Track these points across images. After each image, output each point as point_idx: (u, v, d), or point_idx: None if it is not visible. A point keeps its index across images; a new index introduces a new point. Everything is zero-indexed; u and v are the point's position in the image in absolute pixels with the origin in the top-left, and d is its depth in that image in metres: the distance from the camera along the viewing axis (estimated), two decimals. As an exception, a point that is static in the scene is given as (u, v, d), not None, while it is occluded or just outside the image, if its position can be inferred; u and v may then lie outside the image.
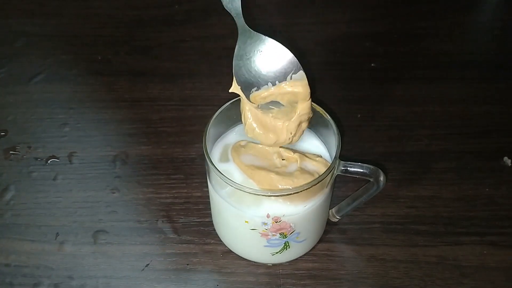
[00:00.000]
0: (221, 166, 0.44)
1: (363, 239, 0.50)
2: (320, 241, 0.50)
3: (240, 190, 0.41)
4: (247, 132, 0.45)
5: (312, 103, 0.46)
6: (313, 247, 0.49)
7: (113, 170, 0.56)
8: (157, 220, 0.52)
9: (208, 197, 0.49)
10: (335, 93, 0.64)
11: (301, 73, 0.43)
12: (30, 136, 0.59)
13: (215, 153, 0.47)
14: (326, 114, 0.45)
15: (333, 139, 0.44)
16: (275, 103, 0.44)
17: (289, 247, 0.46)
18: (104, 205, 0.53)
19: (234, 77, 0.43)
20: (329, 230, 0.51)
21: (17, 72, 0.67)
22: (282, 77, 0.43)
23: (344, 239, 0.50)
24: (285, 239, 0.45)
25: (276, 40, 0.42)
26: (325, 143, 0.48)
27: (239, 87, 0.43)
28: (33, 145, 0.58)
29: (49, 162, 0.57)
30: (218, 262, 0.49)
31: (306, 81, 0.43)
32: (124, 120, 0.61)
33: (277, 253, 0.46)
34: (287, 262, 0.48)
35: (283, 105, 0.44)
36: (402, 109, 0.62)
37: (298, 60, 0.42)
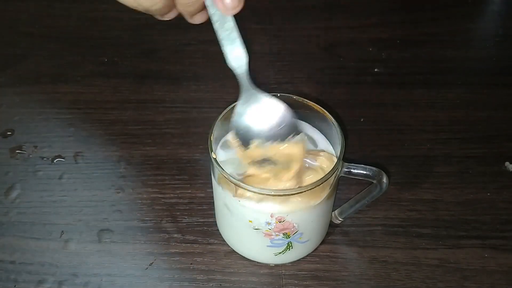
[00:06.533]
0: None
1: (365, 241, 0.51)
2: (323, 242, 0.50)
3: (245, 189, 0.42)
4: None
5: (316, 105, 0.47)
6: (316, 248, 0.50)
7: (118, 170, 0.57)
8: (161, 220, 0.52)
9: (211, 198, 0.50)
10: (339, 97, 0.64)
11: (301, 135, 0.44)
12: (36, 135, 0.60)
13: (219, 153, 0.47)
14: (330, 116, 0.46)
15: (337, 141, 0.45)
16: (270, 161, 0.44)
17: (292, 248, 0.46)
18: (109, 204, 0.53)
19: (231, 133, 0.44)
20: (331, 232, 0.51)
21: (24, 73, 0.68)
22: (281, 138, 0.44)
23: (347, 241, 0.51)
24: (288, 240, 0.45)
25: (276, 95, 0.43)
26: (331, 143, 0.48)
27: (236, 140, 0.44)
28: (39, 145, 0.59)
29: (55, 161, 0.58)
30: (221, 262, 0.49)
31: (303, 144, 0.44)
32: (129, 121, 0.62)
33: (280, 253, 0.47)
34: (289, 262, 0.49)
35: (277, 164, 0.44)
36: (404, 113, 0.63)
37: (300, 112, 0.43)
